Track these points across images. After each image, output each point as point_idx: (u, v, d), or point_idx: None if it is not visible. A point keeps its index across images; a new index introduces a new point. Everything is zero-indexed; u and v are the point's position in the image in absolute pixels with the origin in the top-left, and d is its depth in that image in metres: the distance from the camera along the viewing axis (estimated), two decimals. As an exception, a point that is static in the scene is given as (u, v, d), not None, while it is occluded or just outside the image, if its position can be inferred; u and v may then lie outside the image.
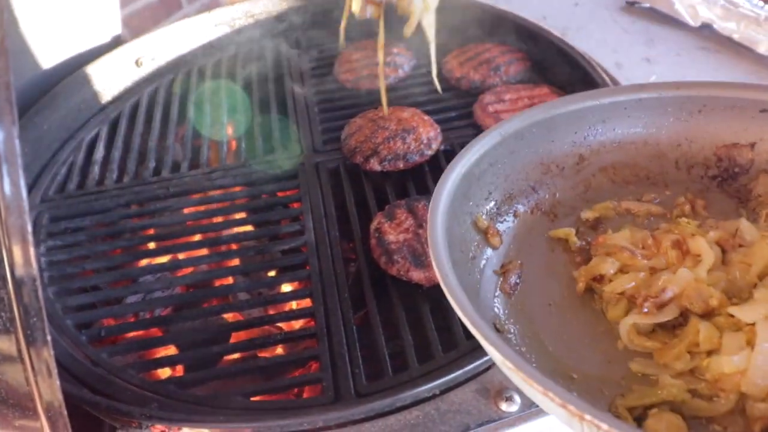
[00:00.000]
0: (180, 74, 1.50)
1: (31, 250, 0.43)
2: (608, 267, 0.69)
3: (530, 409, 0.75)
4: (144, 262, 1.10)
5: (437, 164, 1.18)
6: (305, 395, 0.95)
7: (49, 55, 1.36)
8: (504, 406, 0.75)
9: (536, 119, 0.81)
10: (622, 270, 0.70)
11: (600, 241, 0.74)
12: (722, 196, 0.81)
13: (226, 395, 0.86)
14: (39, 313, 0.46)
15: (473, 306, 0.58)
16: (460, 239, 0.71)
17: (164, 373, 0.97)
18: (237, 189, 1.19)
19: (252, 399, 0.86)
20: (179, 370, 0.98)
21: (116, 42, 1.52)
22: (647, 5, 1.75)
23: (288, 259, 1.05)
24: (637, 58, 1.56)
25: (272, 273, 1.07)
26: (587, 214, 0.80)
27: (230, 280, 1.07)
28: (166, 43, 1.53)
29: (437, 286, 0.94)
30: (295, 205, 1.14)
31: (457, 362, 0.83)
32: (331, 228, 1.07)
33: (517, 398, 0.76)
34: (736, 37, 1.58)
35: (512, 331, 0.67)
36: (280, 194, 1.18)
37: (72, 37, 1.43)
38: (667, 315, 0.63)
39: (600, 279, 0.70)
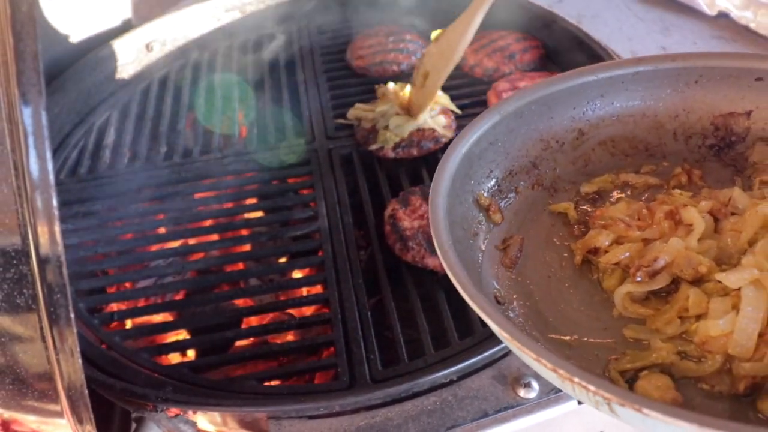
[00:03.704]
0: (191, 60, 1.49)
1: (57, 227, 0.42)
2: (603, 239, 0.71)
3: (548, 396, 0.74)
4: (156, 247, 1.09)
5: (451, 151, 1.17)
6: (317, 381, 0.94)
7: (59, 39, 1.35)
8: (522, 393, 0.75)
9: (534, 97, 0.82)
10: (618, 241, 0.71)
11: (597, 214, 0.76)
12: (719, 165, 0.82)
13: (239, 380, 0.85)
14: (63, 290, 0.45)
15: (474, 281, 0.60)
16: (461, 218, 0.73)
17: (177, 357, 0.96)
18: (249, 175, 1.18)
19: (265, 384, 0.85)
20: (192, 354, 0.97)
21: (126, 27, 1.51)
22: (662, -6, 1.73)
23: (301, 245, 1.04)
24: (652, 47, 1.54)
25: (285, 259, 1.07)
26: (586, 188, 0.82)
27: (243, 265, 1.07)
28: (177, 28, 1.52)
29: (453, 273, 0.93)
30: (308, 191, 1.14)
31: (473, 349, 0.82)
32: (344, 214, 1.07)
33: (535, 385, 0.75)
34: (752, 26, 1.56)
35: (513, 302, 0.69)
36: (292, 180, 1.18)
37: (82, 21, 1.41)
38: (659, 283, 0.65)
39: (596, 251, 0.72)
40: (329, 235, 1.03)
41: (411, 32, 1.46)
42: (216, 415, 0.79)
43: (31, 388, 0.57)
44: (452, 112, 1.22)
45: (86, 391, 0.53)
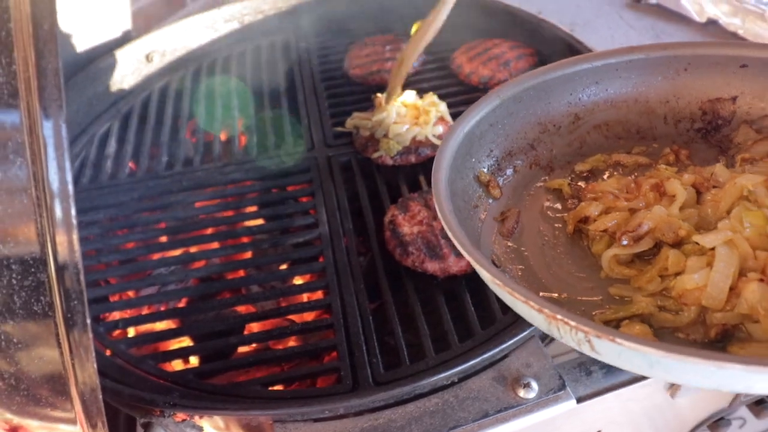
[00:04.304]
0: (190, 69, 1.51)
1: (75, 236, 0.44)
2: (593, 209, 0.77)
3: (547, 396, 0.76)
4: (158, 255, 1.10)
5: (448, 158, 1.19)
6: (320, 386, 0.96)
7: (60, 51, 1.36)
8: (522, 393, 0.76)
9: (533, 83, 0.88)
10: (606, 212, 0.77)
11: (589, 188, 0.82)
12: (705, 147, 0.88)
13: (244, 385, 0.87)
14: (80, 296, 0.47)
15: (473, 244, 0.65)
16: (462, 190, 0.78)
17: (181, 364, 0.98)
18: (250, 183, 1.20)
19: (270, 389, 0.87)
20: (197, 361, 0.98)
21: (126, 38, 1.52)
22: (654, 1, 1.76)
23: (302, 251, 1.06)
24: (643, 54, 1.57)
25: (286, 266, 1.08)
26: (580, 167, 0.88)
27: (244, 273, 1.08)
28: (176, 39, 1.54)
29: (452, 278, 0.96)
30: (308, 199, 1.15)
31: (473, 351, 0.84)
32: (344, 220, 1.09)
33: (534, 385, 0.77)
34: (741, 32, 1.59)
35: (508, 265, 0.75)
36: (293, 188, 1.20)
37: (82, 33, 1.43)
38: (643, 246, 0.71)
39: (586, 220, 0.78)
40: (330, 241, 1.05)
41: (407, 41, 1.48)
42: (222, 420, 0.80)
43: (45, 394, 0.58)
44: (448, 121, 1.24)
45: (100, 396, 0.54)
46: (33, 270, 0.48)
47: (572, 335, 0.55)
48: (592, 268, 0.74)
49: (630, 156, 0.88)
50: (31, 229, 0.46)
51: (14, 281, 0.48)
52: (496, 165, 0.85)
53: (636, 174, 0.85)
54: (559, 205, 0.84)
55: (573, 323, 0.53)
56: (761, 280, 0.61)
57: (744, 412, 1.07)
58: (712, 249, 0.65)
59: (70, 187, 0.42)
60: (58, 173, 0.41)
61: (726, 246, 0.64)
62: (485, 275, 0.61)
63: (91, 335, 0.49)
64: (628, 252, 0.71)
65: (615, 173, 0.86)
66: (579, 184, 0.86)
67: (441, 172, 0.73)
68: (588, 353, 0.57)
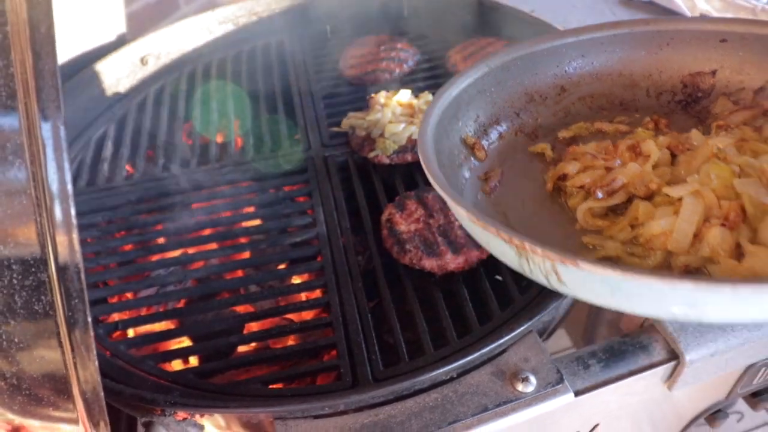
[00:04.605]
0: (185, 72, 1.51)
1: (75, 235, 0.44)
2: (572, 168, 0.81)
3: (545, 389, 0.77)
4: (156, 256, 1.11)
5: (444, 156, 1.20)
6: (320, 383, 0.96)
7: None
8: (520, 387, 0.77)
9: (521, 53, 0.91)
10: (584, 170, 0.81)
11: (570, 150, 0.86)
12: (684, 117, 0.92)
13: (244, 383, 0.87)
14: (81, 294, 0.47)
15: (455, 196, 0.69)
16: (448, 150, 0.82)
17: (181, 364, 0.98)
18: (247, 184, 1.20)
19: (270, 387, 0.87)
20: (196, 360, 0.99)
21: (120, 41, 1.53)
22: (645, -1, 1.77)
23: (301, 251, 1.06)
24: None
25: (285, 265, 1.09)
26: (563, 134, 0.92)
27: (244, 272, 1.09)
28: (170, 42, 1.54)
29: (449, 275, 0.96)
30: (306, 199, 1.16)
31: (471, 347, 0.85)
32: (342, 220, 1.09)
33: (532, 379, 0.77)
34: (732, 28, 1.60)
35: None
36: (290, 188, 1.20)
37: (77, 37, 1.43)
38: (616, 199, 0.75)
39: (564, 177, 0.81)
40: (328, 240, 1.06)
41: (402, 41, 1.49)
42: (223, 419, 0.81)
43: (47, 394, 0.58)
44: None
45: (102, 394, 0.55)
46: (33, 270, 0.48)
47: (541, 266, 0.58)
48: (569, 222, 0.78)
49: (611, 124, 0.91)
50: (32, 230, 0.46)
51: (15, 281, 0.49)
52: (482, 129, 0.89)
53: (617, 138, 0.88)
54: (541, 167, 0.88)
55: (540, 251, 0.57)
56: (723, 225, 0.65)
57: (741, 405, 1.08)
58: (680, 199, 0.69)
59: (70, 187, 0.43)
60: (57, 174, 0.42)
61: (692, 196, 0.68)
62: (461, 213, 0.65)
63: (92, 334, 0.50)
64: (602, 205, 0.75)
65: (596, 140, 0.89)
66: (561, 150, 0.90)
67: (428, 129, 0.77)
68: (556, 286, 0.59)
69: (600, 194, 0.75)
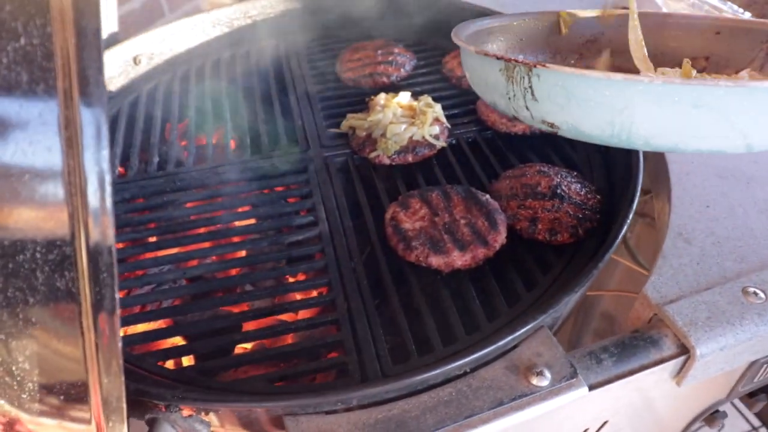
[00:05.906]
0: (179, 72, 1.49)
1: (110, 220, 0.42)
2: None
3: (560, 383, 0.76)
4: (151, 254, 1.08)
5: (444, 157, 1.20)
6: (328, 381, 0.94)
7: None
8: (535, 381, 0.76)
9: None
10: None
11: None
12: None
13: (250, 381, 0.85)
14: (110, 269, 0.45)
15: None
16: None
17: (184, 361, 0.95)
18: (245, 183, 1.19)
19: (276, 384, 0.85)
20: (199, 358, 0.96)
21: (112, 40, 1.50)
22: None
23: (303, 249, 1.05)
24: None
25: (288, 263, 1.07)
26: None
27: (246, 270, 1.07)
28: (164, 42, 1.52)
29: (456, 272, 0.95)
30: (306, 198, 1.14)
31: (481, 343, 0.84)
32: (344, 219, 1.08)
33: (547, 373, 0.77)
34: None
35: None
36: (290, 188, 1.18)
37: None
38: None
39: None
40: (330, 239, 1.04)
41: (398, 45, 1.50)
42: (229, 415, 0.78)
43: (60, 381, 0.56)
44: (444, 122, 1.25)
45: (123, 377, 0.53)
46: (59, 243, 0.46)
47: (521, 84, 0.72)
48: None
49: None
50: (64, 211, 0.44)
51: (38, 255, 0.47)
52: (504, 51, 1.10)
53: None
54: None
55: (521, 58, 0.71)
56: None
57: (738, 403, 1.09)
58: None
59: (108, 176, 0.41)
60: (95, 154, 0.40)
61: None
62: (465, 47, 0.85)
63: (119, 312, 0.48)
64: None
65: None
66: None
67: (462, 29, 0.99)
68: (531, 108, 0.73)
69: None
